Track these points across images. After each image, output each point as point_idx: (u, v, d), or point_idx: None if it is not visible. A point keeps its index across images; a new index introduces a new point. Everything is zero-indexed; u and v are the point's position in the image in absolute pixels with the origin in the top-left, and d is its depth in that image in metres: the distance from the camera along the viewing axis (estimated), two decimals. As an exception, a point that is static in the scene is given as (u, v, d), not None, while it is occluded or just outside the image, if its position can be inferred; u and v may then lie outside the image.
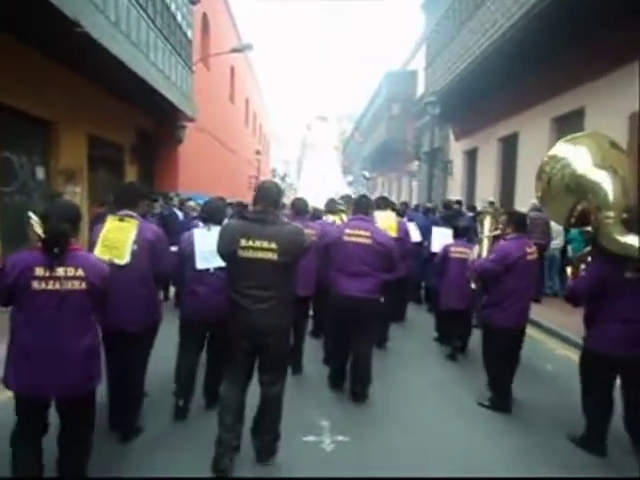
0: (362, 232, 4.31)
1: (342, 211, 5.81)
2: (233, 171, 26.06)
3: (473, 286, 4.63)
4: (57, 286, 2.53)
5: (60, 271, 2.53)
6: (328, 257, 4.53)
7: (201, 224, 4.19)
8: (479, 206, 13.17)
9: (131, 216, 3.47)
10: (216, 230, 3.63)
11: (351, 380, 4.52)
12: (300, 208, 5.19)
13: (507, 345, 4.28)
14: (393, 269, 4.54)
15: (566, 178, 3.27)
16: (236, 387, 3.24)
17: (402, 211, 7.27)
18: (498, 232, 4.52)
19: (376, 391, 4.54)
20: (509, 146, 13.52)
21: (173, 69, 13.39)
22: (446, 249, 5.60)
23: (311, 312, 6.21)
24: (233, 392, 3.23)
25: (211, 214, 4.09)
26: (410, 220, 7.28)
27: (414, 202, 18.52)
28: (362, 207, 4.54)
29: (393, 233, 5.38)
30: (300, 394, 4.42)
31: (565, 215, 3.52)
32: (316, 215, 6.37)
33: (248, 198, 17.01)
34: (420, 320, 7.45)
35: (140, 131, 14.11)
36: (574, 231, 9.02)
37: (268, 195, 3.19)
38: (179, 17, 13.87)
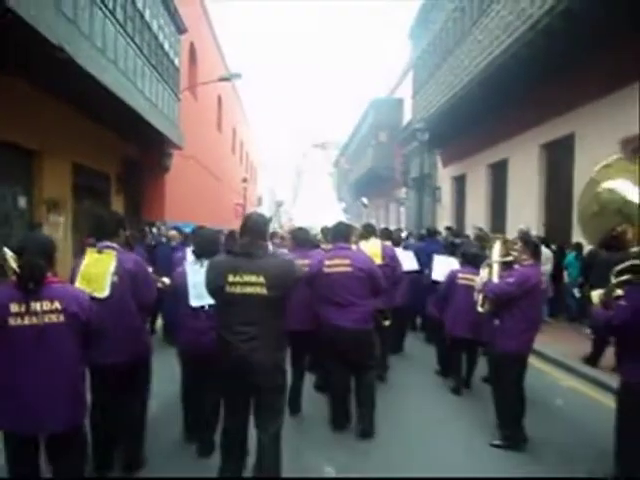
0: (341, 261, 4.18)
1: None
2: (220, 199, 25.88)
3: (481, 309, 4.41)
4: (34, 320, 2.48)
5: (36, 306, 2.50)
6: (314, 290, 4.33)
7: (192, 258, 3.95)
8: (470, 233, 13.16)
9: (111, 247, 3.34)
10: None
11: (358, 415, 4.29)
12: (300, 239, 4.96)
13: (518, 373, 4.12)
14: (379, 292, 4.37)
15: (618, 204, 3.16)
16: (235, 430, 3.10)
17: (397, 239, 7.06)
18: (511, 258, 4.34)
19: (381, 432, 4.26)
20: (498, 172, 13.56)
21: (160, 97, 13.29)
22: (453, 275, 5.39)
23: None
24: (232, 433, 3.10)
25: (204, 248, 3.85)
26: (406, 248, 7.10)
27: (403, 229, 18.47)
28: (341, 234, 4.39)
29: (378, 260, 5.16)
30: (300, 436, 4.12)
31: (602, 236, 3.36)
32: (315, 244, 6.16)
33: (234, 226, 16.77)
34: (419, 351, 7.18)
35: (126, 159, 13.91)
36: (570, 257, 8.95)
37: (255, 228, 3.10)
38: (166, 46, 13.86)
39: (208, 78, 19.22)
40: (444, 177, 17.99)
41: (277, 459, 3.09)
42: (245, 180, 30.21)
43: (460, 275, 5.32)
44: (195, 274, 3.70)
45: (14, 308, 2.47)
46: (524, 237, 4.67)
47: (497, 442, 4.09)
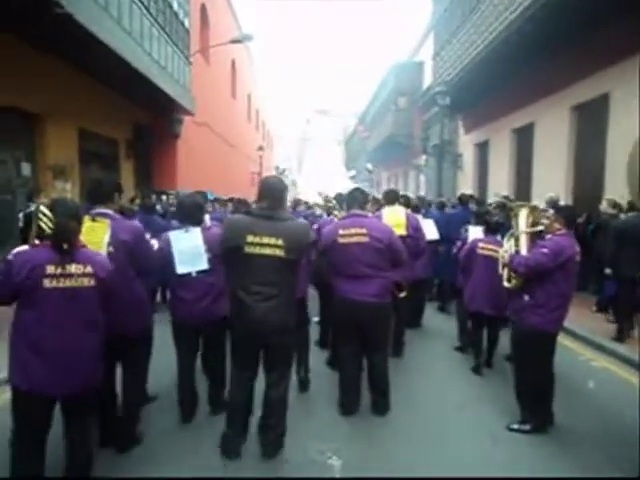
0: (357, 230, 3.82)
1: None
2: (235, 167, 25.47)
3: (507, 284, 3.99)
4: (69, 283, 2.52)
5: (72, 268, 2.53)
6: (327, 260, 4.04)
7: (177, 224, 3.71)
8: (492, 200, 12.58)
9: (105, 214, 3.16)
10: (195, 231, 3.43)
11: (370, 389, 4.03)
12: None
13: (548, 352, 3.78)
14: (399, 264, 3.99)
15: None
16: (242, 387, 3.21)
17: (418, 206, 6.60)
18: (541, 228, 3.88)
19: (395, 415, 3.93)
20: (524, 137, 12.82)
21: (169, 60, 12.78)
22: (474, 245, 4.93)
23: (316, 319, 5.66)
24: (239, 394, 3.21)
25: (188, 214, 3.68)
26: (426, 217, 6.62)
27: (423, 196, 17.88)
28: (356, 201, 4.01)
29: (402, 230, 4.80)
30: (305, 420, 3.80)
31: None
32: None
33: (250, 195, 16.44)
34: (437, 325, 6.78)
35: (136, 125, 13.51)
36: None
37: (273, 191, 3.11)
38: (175, 5, 13.26)
39: (221, 41, 18.54)
40: (466, 144, 17.25)
41: (283, 414, 3.26)
42: (261, 148, 29.64)
43: (481, 245, 4.86)
44: (180, 241, 3.51)
45: (50, 269, 2.48)
46: (556, 204, 4.21)
47: (516, 426, 3.75)
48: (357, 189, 4.34)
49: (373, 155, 30.82)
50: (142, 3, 10.71)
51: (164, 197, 10.43)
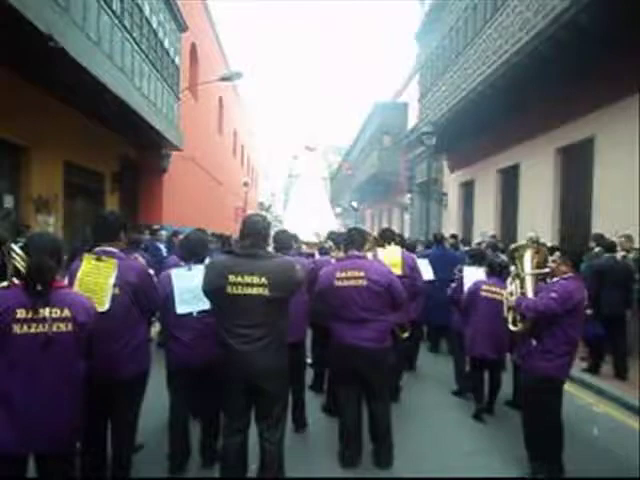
0: (355, 273, 3.66)
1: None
2: (219, 202, 25.35)
3: (513, 328, 3.87)
4: (41, 329, 2.27)
5: (45, 312, 2.27)
6: (324, 304, 3.86)
7: (181, 262, 3.56)
8: (478, 240, 12.63)
9: (111, 254, 3.00)
10: (198, 269, 3.26)
11: (372, 439, 3.81)
12: (283, 242, 4.39)
13: (556, 400, 3.62)
14: (399, 306, 3.83)
15: None
16: (235, 438, 3.00)
17: (414, 246, 6.52)
18: (547, 270, 3.80)
19: (399, 467, 3.71)
20: (509, 178, 13.04)
21: (159, 96, 12.78)
22: (476, 287, 4.82)
23: (309, 361, 5.45)
24: (233, 444, 3.00)
25: (192, 251, 3.55)
26: (422, 257, 6.53)
27: (406, 235, 17.95)
28: (354, 242, 3.84)
29: (398, 270, 4.66)
30: (303, 471, 3.55)
31: None
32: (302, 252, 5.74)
33: (233, 230, 16.22)
34: (431, 367, 6.61)
35: (122, 159, 13.36)
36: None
37: (256, 229, 3.00)
38: (167, 43, 13.37)
39: (209, 79, 18.72)
40: (451, 183, 17.48)
41: (280, 465, 3.06)
42: (246, 184, 29.67)
43: (484, 287, 4.76)
44: (182, 279, 3.35)
45: (20, 314, 2.24)
46: (563, 246, 4.16)
47: (530, 477, 3.57)
48: (355, 229, 4.24)
49: (357, 192, 31.09)
50: (134, 39, 10.76)
51: (163, 232, 9.92)
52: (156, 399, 3.67)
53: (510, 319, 3.89)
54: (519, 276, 3.97)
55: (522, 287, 3.87)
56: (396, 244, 5.28)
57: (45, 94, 8.77)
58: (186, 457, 3.58)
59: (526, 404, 3.80)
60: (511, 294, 3.96)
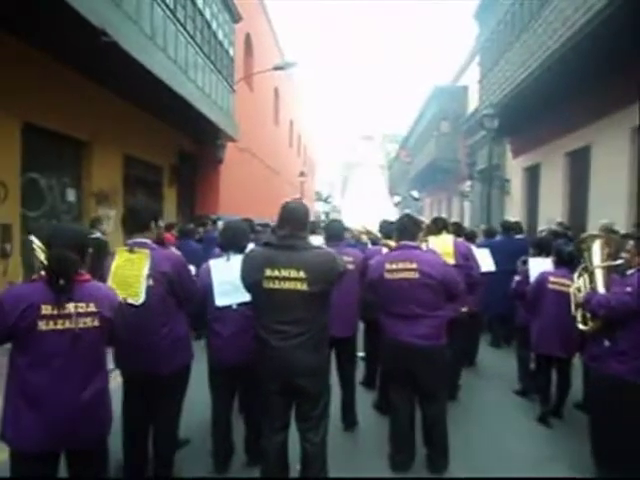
0: (406, 265, 3.38)
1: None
2: (276, 193, 25.52)
3: (583, 327, 3.50)
4: (68, 325, 2.18)
5: (70, 307, 2.18)
6: (375, 296, 3.65)
7: (221, 253, 3.46)
8: (543, 227, 11.90)
9: (143, 244, 2.93)
10: (237, 260, 3.08)
11: (425, 443, 3.57)
12: (335, 232, 4.23)
13: (634, 404, 3.20)
14: (455, 297, 3.56)
15: None
16: (275, 438, 2.88)
17: (474, 234, 6.12)
18: (620, 261, 3.39)
19: (454, 472, 3.45)
20: (579, 161, 12.14)
21: (214, 87, 12.88)
22: (543, 278, 4.41)
23: (361, 354, 5.27)
24: (273, 445, 2.88)
25: (231, 240, 3.42)
26: (482, 246, 6.14)
27: (467, 224, 17.27)
28: (406, 230, 3.56)
29: (450, 259, 4.33)
30: (350, 474, 3.37)
31: None
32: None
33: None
34: (492, 364, 6.22)
35: (179, 151, 13.63)
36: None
37: (294, 217, 2.84)
38: (220, 34, 13.42)
39: (264, 69, 18.74)
40: (514, 168, 16.60)
41: (323, 467, 2.91)
42: (302, 174, 29.68)
43: (552, 279, 4.34)
44: (220, 270, 3.23)
45: (46, 310, 2.14)
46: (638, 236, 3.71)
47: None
48: (407, 215, 3.93)
49: (415, 181, 30.36)
50: (188, 32, 10.85)
51: (220, 223, 10.01)
52: (200, 392, 3.59)
53: (579, 317, 3.52)
54: (587, 270, 3.58)
55: (591, 282, 3.48)
56: (451, 233, 4.95)
57: (102, 89, 8.98)
58: (230, 455, 3.49)
59: (596, 409, 3.43)
60: (579, 290, 3.58)
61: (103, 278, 2.82)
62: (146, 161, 11.78)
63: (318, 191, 44.89)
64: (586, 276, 3.63)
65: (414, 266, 3.35)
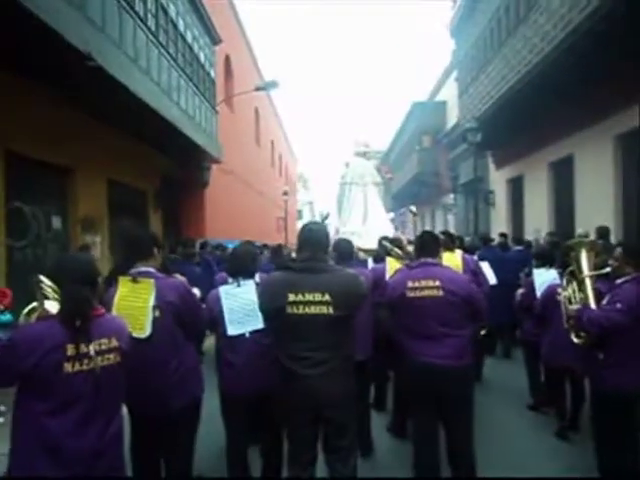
0: (429, 282, 3.26)
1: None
2: (261, 213, 25.41)
3: (576, 340, 3.47)
4: (92, 365, 2.01)
5: (90, 346, 2.00)
6: (392, 316, 3.54)
7: (229, 279, 3.30)
8: (530, 238, 11.96)
9: (147, 273, 2.77)
10: (248, 285, 3.01)
11: (451, 466, 3.37)
12: (345, 251, 4.15)
13: (633, 416, 3.20)
14: (480, 317, 3.46)
15: None
16: (303, 475, 2.71)
17: (477, 247, 6.07)
18: (607, 270, 3.39)
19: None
20: (563, 171, 12.31)
21: (197, 109, 12.82)
22: (551, 291, 4.37)
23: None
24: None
25: (240, 265, 3.25)
26: (481, 259, 6.10)
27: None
28: (428, 247, 3.46)
29: None
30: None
31: None
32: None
33: (276, 240, 16.05)
34: (501, 378, 6.11)
35: (164, 175, 13.45)
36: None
37: (316, 239, 2.75)
38: (202, 57, 13.42)
39: (244, 90, 18.77)
40: (497, 180, 16.80)
41: None
42: (286, 193, 29.63)
43: (560, 290, 4.30)
44: (231, 296, 3.07)
45: (71, 351, 1.97)
46: (626, 244, 3.72)
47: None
48: (427, 232, 3.88)
49: (397, 196, 30.54)
50: (170, 55, 10.79)
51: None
52: (212, 421, 3.42)
53: (572, 330, 3.48)
54: (576, 277, 3.54)
55: (580, 289, 3.46)
56: (458, 248, 4.89)
57: (85, 114, 8.80)
58: None
59: (598, 424, 3.36)
60: (570, 301, 3.55)
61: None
62: (130, 185, 11.58)
63: (300, 210, 44.96)
64: (574, 284, 3.59)
65: (437, 284, 3.24)
